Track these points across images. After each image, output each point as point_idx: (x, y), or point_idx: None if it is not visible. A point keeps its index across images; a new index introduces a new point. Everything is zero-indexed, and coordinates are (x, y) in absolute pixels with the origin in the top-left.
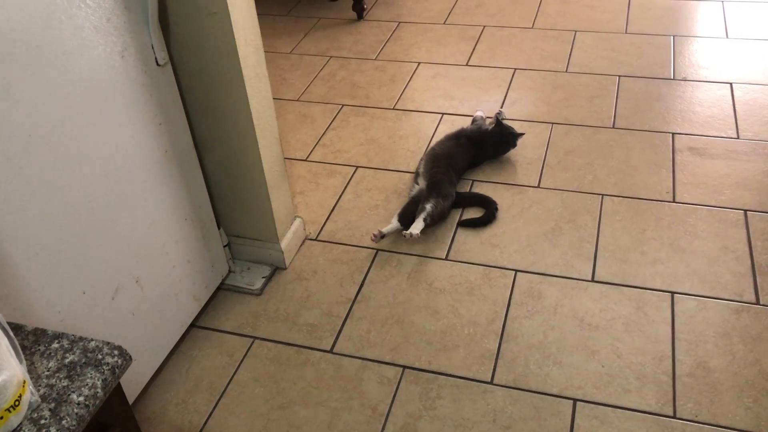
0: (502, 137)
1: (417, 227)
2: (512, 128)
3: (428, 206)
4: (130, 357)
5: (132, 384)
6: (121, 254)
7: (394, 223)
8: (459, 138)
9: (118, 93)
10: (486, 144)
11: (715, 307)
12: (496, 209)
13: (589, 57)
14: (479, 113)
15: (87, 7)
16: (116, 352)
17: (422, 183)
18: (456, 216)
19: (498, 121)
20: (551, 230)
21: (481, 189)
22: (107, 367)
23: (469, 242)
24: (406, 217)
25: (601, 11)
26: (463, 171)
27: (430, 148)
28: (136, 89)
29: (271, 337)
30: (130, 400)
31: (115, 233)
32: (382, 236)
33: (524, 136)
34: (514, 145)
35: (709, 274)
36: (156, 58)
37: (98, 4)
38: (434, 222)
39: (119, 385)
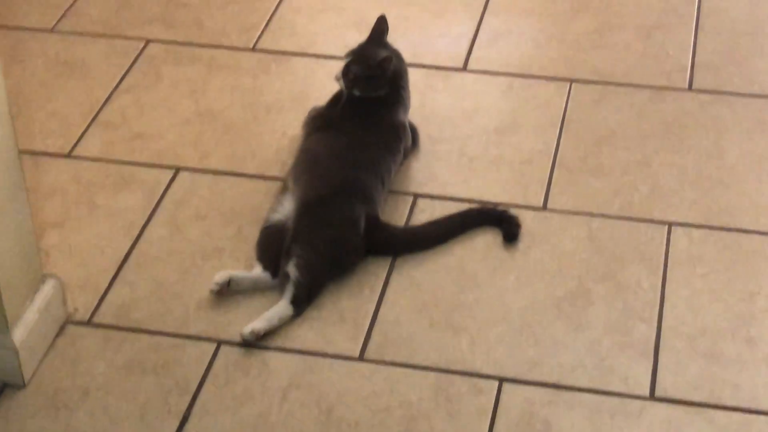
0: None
1: (270, 318)
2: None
3: (292, 270)
4: None
5: None
6: None
7: (257, 271)
8: (345, 108)
9: None
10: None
11: None
12: (518, 225)
13: None
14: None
15: None
16: None
17: (289, 205)
18: (380, 266)
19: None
20: (570, 296)
21: (425, 216)
22: None
23: (407, 321)
24: (270, 256)
25: None
26: (388, 169)
27: (302, 142)
28: None
29: None
30: None
31: None
32: (228, 282)
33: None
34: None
35: None
36: None
37: None
38: (312, 298)
39: None
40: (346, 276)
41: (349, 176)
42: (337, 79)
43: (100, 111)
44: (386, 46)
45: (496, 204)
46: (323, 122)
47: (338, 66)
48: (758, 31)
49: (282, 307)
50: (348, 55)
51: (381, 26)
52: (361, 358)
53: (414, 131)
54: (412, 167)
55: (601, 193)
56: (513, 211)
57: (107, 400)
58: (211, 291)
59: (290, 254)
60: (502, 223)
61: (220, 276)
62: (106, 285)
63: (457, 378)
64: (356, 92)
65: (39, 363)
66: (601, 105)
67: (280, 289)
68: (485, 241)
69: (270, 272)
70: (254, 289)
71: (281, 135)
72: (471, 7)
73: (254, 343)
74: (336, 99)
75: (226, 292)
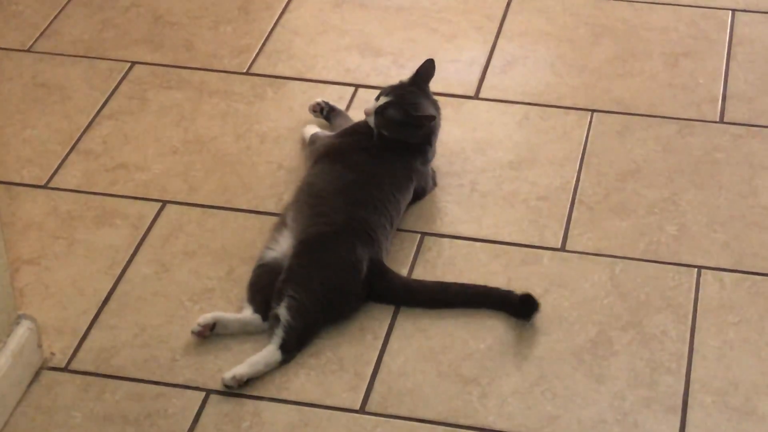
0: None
1: (255, 364)
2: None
3: (283, 313)
4: None
5: None
6: None
7: (246, 313)
8: (359, 141)
9: None
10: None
11: None
12: (536, 304)
13: None
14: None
15: None
16: None
17: (286, 242)
18: (384, 310)
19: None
20: (590, 345)
21: (432, 255)
22: None
23: (412, 371)
24: (262, 297)
25: None
26: (397, 211)
27: (306, 173)
28: None
29: None
30: None
31: None
32: (213, 325)
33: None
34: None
35: None
36: None
37: None
38: (302, 344)
39: None
40: (342, 322)
41: (355, 215)
42: (368, 114)
43: (81, 138)
44: (429, 95)
45: (527, 245)
46: (332, 152)
47: (366, 96)
48: None
49: (269, 352)
50: (386, 92)
51: (428, 71)
52: (363, 410)
53: (433, 172)
54: (420, 203)
55: (625, 234)
56: (535, 252)
57: None
58: (192, 332)
59: (282, 295)
60: (520, 305)
61: (204, 318)
62: (86, 328)
63: None
64: (384, 132)
65: (11, 412)
66: (624, 138)
67: (269, 332)
68: (501, 283)
69: (261, 315)
70: (243, 332)
71: (277, 167)
72: (484, 31)
73: (237, 390)
74: (350, 130)
75: (209, 335)
